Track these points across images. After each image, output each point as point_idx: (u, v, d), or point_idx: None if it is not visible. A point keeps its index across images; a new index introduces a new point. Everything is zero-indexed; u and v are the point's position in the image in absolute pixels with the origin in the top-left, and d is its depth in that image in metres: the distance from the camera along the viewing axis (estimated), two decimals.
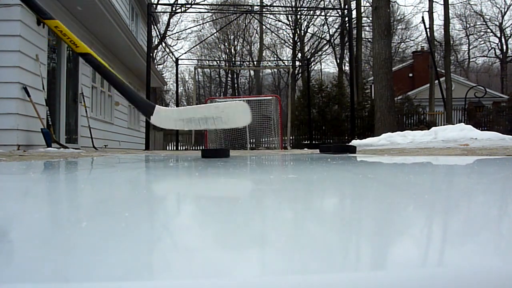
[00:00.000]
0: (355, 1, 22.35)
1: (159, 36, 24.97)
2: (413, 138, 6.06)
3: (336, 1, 25.86)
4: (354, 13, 20.01)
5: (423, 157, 2.82)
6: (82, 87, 8.33)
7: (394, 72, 16.06)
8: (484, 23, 33.47)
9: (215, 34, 29.35)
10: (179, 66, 16.16)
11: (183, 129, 2.96)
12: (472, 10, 33.52)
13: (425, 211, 0.58)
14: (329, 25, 27.84)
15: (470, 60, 35.86)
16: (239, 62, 31.20)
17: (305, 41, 29.58)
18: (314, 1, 26.74)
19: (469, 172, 1.49)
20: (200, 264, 0.31)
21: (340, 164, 1.80)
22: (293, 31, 29.21)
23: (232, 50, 33.65)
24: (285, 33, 29.85)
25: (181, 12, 26.11)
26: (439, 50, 24.49)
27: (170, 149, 19.13)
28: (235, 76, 35.14)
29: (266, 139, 13.22)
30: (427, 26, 18.66)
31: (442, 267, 0.31)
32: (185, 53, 26.45)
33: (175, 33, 29.14)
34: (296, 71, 27.18)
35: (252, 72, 33.60)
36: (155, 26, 18.53)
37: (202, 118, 2.70)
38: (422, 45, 30.13)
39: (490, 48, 34.58)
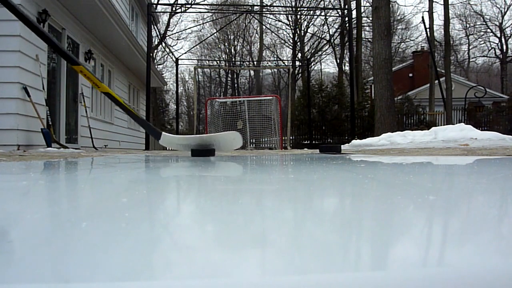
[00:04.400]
0: (355, 1, 22.34)
1: (159, 36, 24.97)
2: (413, 138, 6.06)
3: (336, 1, 25.87)
4: (354, 13, 20.01)
5: (423, 157, 2.82)
6: (82, 87, 8.32)
7: (394, 72, 16.05)
8: (484, 23, 33.49)
9: (215, 34, 29.37)
10: (179, 66, 16.17)
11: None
12: (472, 10, 33.57)
13: (425, 211, 0.58)
14: (329, 25, 27.87)
15: (470, 60, 35.88)
16: (239, 62, 31.20)
17: (305, 41, 29.57)
18: (314, 1, 26.75)
19: (469, 172, 1.49)
20: (200, 264, 0.31)
21: (340, 164, 1.81)
22: (293, 31, 29.21)
23: (232, 50, 33.67)
24: (285, 33, 29.85)
25: (181, 12, 26.11)
26: (439, 50, 24.50)
27: (170, 149, 19.11)
28: (235, 76, 35.14)
29: (266, 139, 13.24)
30: (427, 26, 18.67)
31: (442, 267, 0.31)
32: (185, 53, 26.53)
33: (175, 33, 29.15)
34: (296, 71, 27.17)
35: (252, 72, 33.62)
36: (155, 26, 18.53)
37: (197, 144, 3.13)
38: (422, 45, 30.15)
39: (490, 48, 34.61)
